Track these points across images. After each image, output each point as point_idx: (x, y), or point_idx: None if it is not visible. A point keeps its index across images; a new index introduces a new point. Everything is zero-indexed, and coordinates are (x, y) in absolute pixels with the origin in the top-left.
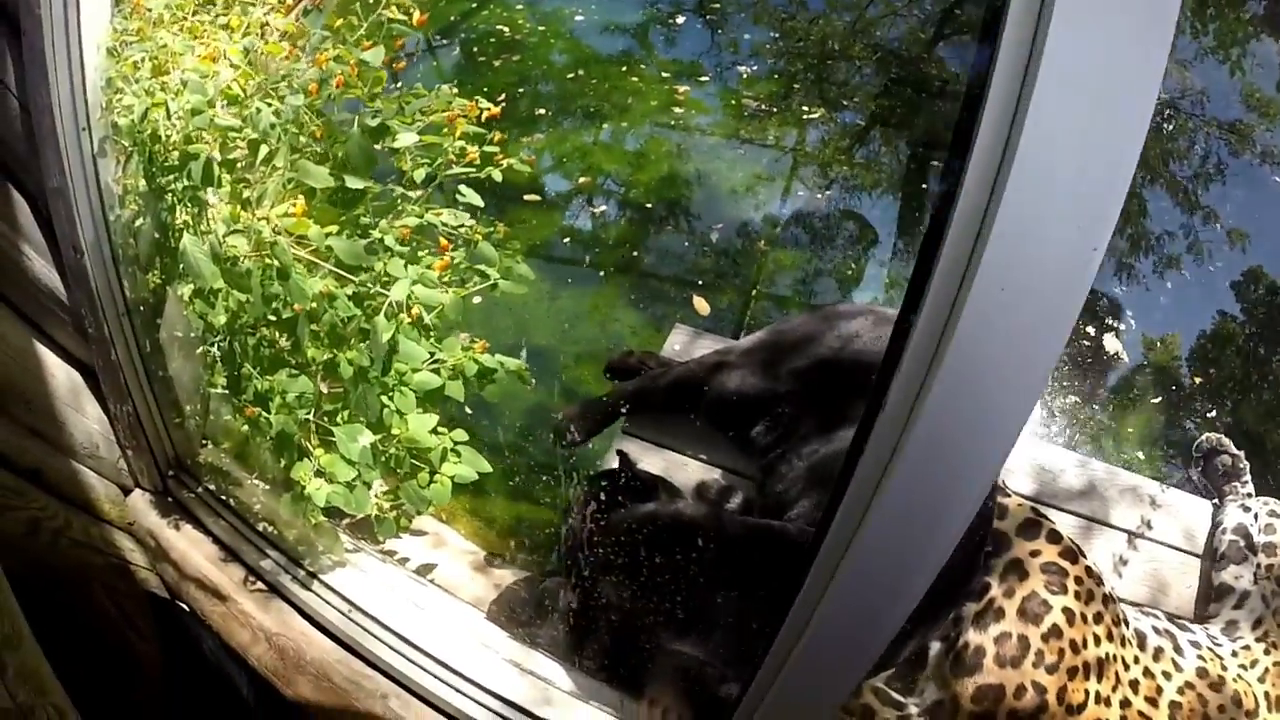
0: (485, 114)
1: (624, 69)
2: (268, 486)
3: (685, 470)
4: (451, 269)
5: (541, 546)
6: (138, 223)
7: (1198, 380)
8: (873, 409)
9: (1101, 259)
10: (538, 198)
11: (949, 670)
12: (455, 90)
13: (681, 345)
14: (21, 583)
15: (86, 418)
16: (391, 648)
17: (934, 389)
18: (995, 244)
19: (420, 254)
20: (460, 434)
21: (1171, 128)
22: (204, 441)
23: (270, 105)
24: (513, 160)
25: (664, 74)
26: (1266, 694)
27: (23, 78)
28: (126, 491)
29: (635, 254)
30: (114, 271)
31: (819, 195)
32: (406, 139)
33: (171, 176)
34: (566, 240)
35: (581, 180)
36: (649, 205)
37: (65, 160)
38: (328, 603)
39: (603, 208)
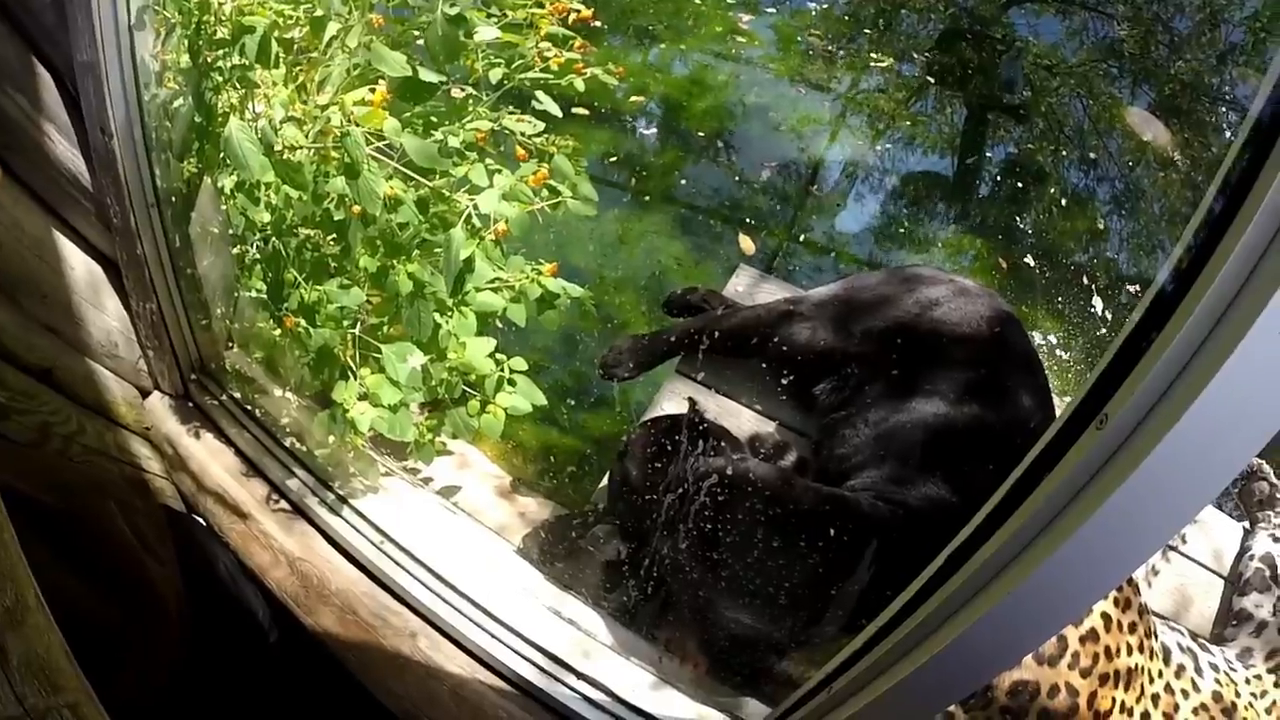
0: (574, 17)
1: None
2: (299, 400)
3: (737, 419)
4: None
5: (570, 478)
6: (176, 104)
7: None
8: (1082, 421)
9: None
10: (586, 111)
11: None
12: None
13: (745, 287)
14: (26, 504)
15: (106, 314)
16: (423, 583)
17: (1184, 420)
18: None
19: (489, 165)
20: (519, 362)
21: None
22: (230, 345)
23: None
24: (597, 70)
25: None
26: None
27: None
28: (145, 395)
29: (684, 183)
30: (145, 157)
31: (870, 145)
32: (486, 33)
33: (221, 52)
34: (611, 160)
35: (633, 99)
36: (701, 134)
37: (98, 31)
38: (356, 530)
39: (652, 130)
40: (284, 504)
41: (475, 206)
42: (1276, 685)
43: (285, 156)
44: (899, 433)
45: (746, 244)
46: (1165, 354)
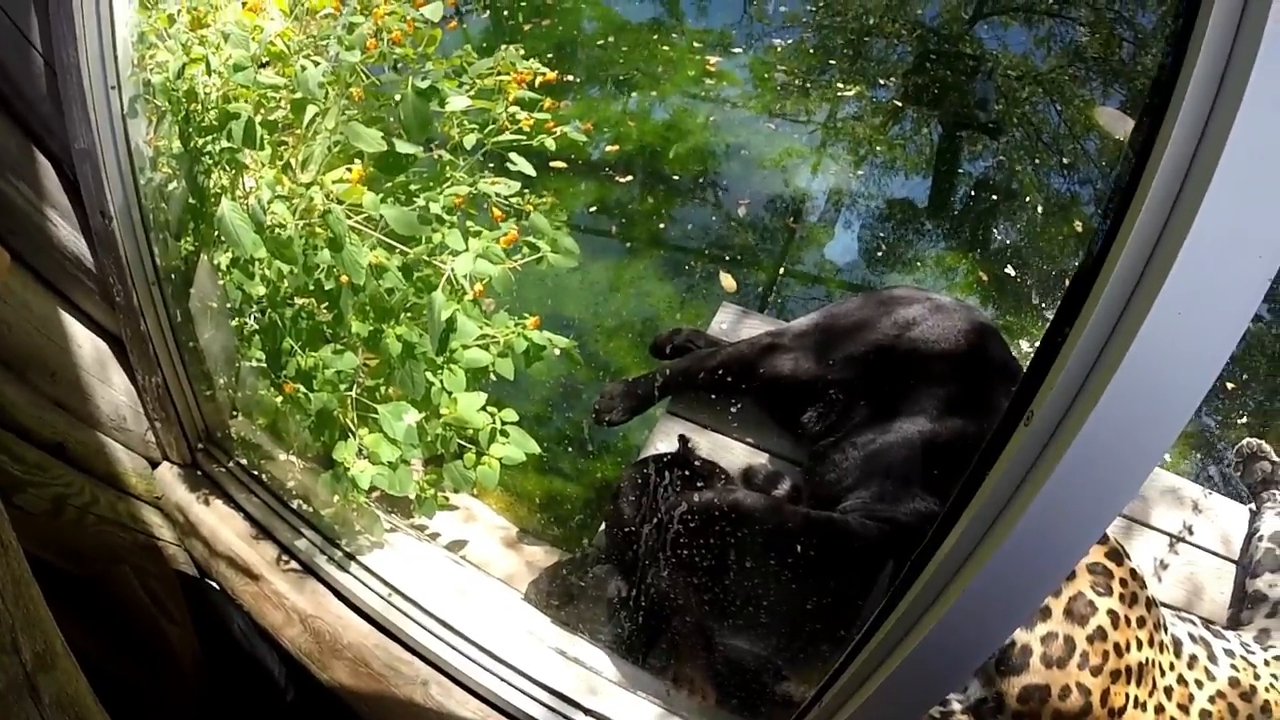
0: (540, 79)
1: (656, 37)
2: (303, 463)
3: (730, 453)
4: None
5: (574, 524)
6: (170, 187)
7: (1229, 386)
8: (1011, 420)
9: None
10: (564, 165)
11: (994, 668)
12: (521, 51)
13: (729, 324)
14: (46, 569)
15: (113, 389)
16: (431, 633)
17: (1099, 407)
18: (1181, 268)
19: (469, 225)
20: (510, 414)
21: None
22: (234, 414)
23: (317, 63)
24: (566, 128)
25: (695, 43)
26: None
27: (48, 33)
28: (154, 465)
29: (662, 226)
30: (144, 238)
31: (851, 173)
32: (457, 103)
33: (210, 137)
34: (593, 210)
35: (609, 149)
36: (677, 177)
37: (93, 120)
38: (365, 585)
39: (629, 178)
40: (294, 564)
41: (453, 270)
42: None
43: (275, 233)
44: (886, 452)
45: (728, 282)
46: (1078, 347)
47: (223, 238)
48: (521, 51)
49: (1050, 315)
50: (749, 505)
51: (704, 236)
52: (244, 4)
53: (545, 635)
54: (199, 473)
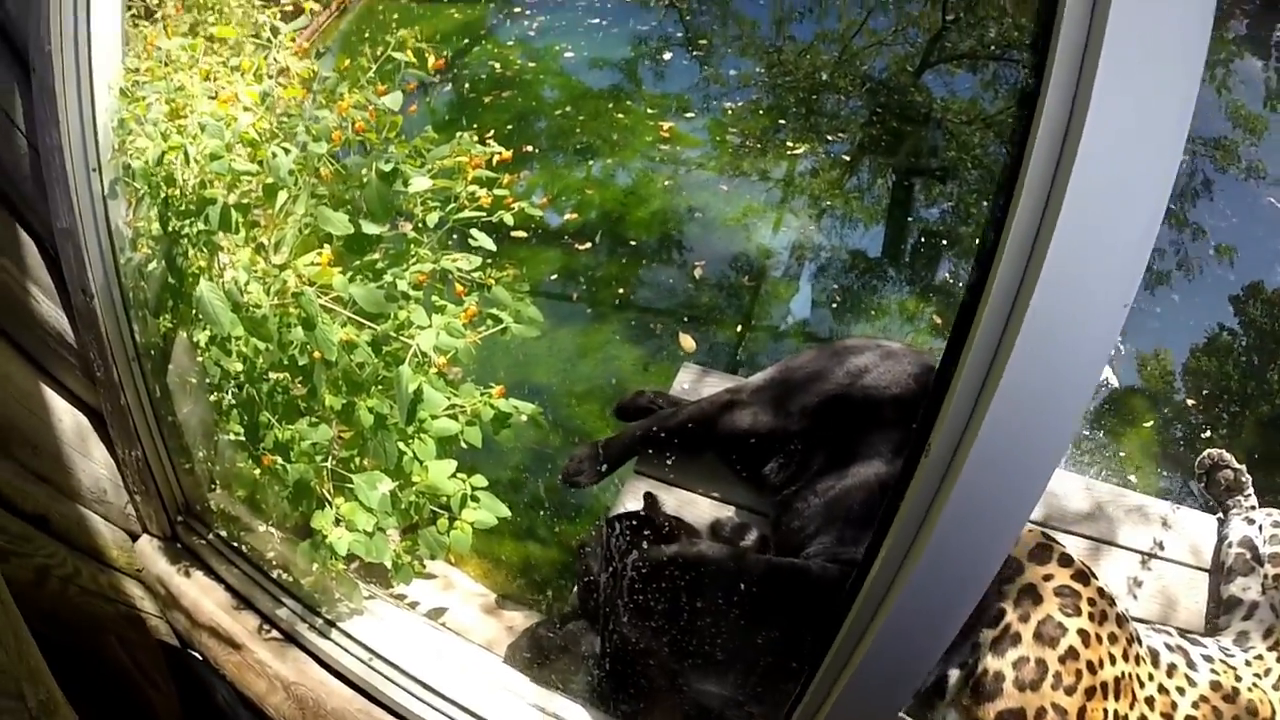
0: (496, 158)
1: (612, 105)
2: (282, 534)
3: (696, 508)
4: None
5: (552, 587)
6: (149, 266)
7: (1190, 402)
8: (916, 453)
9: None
10: (524, 234)
11: (969, 697)
12: (475, 137)
13: (690, 384)
14: (34, 637)
15: (94, 462)
16: (413, 694)
17: (980, 434)
18: (1038, 306)
19: (435, 299)
20: (480, 479)
21: None
22: (213, 487)
23: (287, 151)
24: (524, 204)
25: (650, 110)
26: None
27: (31, 116)
28: (134, 538)
29: (622, 291)
30: (124, 315)
31: (810, 226)
32: (419, 184)
33: (187, 221)
34: (555, 277)
35: (569, 217)
36: (635, 242)
37: (75, 201)
38: (347, 650)
39: (587, 245)
40: (275, 633)
41: (418, 345)
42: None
43: (250, 312)
44: (845, 497)
45: (687, 342)
46: (963, 379)
47: (201, 316)
48: (476, 138)
49: None
50: (713, 556)
51: (667, 298)
52: (218, 96)
53: (524, 692)
54: (179, 545)
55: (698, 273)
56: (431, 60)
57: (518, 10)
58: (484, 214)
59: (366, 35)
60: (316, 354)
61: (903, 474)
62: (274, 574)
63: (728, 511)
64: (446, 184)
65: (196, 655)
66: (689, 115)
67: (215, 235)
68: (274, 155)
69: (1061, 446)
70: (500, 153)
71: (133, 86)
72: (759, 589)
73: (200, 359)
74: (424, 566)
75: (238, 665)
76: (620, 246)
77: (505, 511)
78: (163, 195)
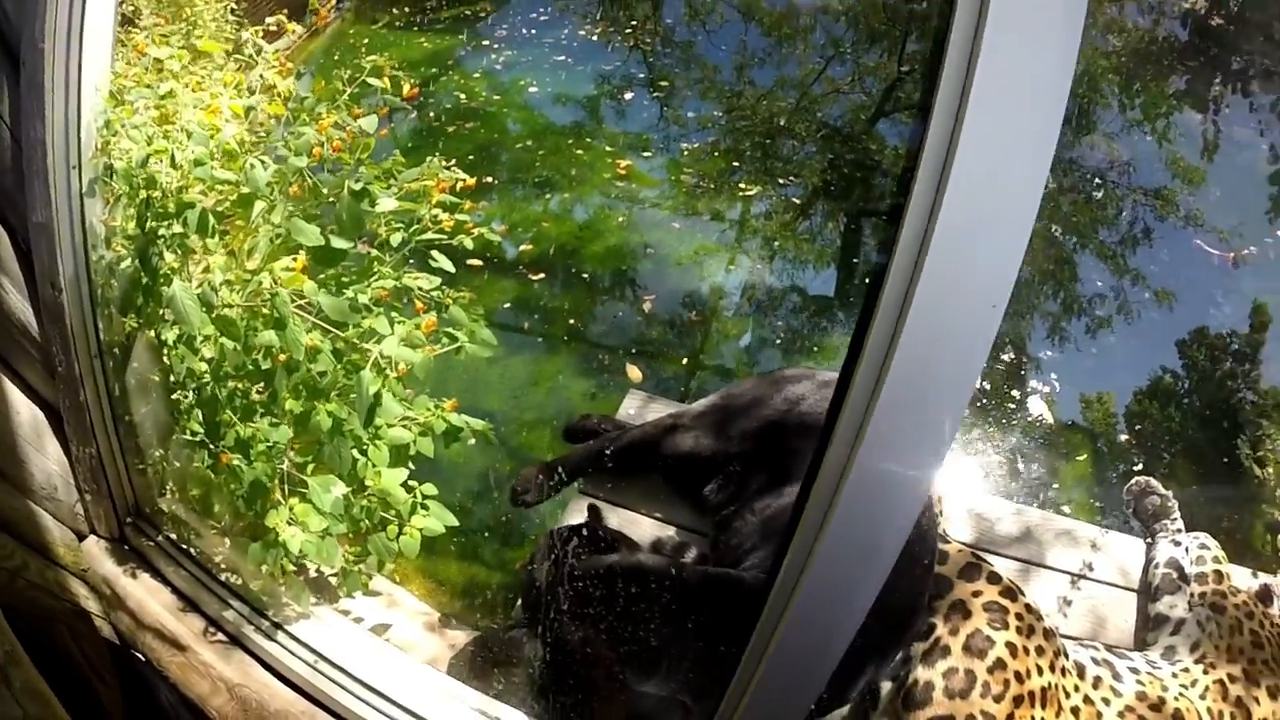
0: (460, 185)
1: (572, 141)
2: (231, 537)
3: (639, 527)
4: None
5: (496, 606)
6: (121, 265)
7: (1123, 437)
8: (815, 463)
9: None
10: (480, 263)
11: (901, 706)
12: (442, 162)
13: (635, 409)
14: None
15: (47, 458)
16: (357, 697)
17: (865, 442)
18: (913, 322)
19: (394, 315)
20: (430, 488)
21: (1101, 195)
22: (164, 490)
23: (265, 164)
24: (484, 230)
25: (609, 147)
26: (1209, 709)
27: (18, 109)
28: (81, 537)
29: (573, 322)
30: (90, 311)
31: (762, 267)
32: (386, 204)
33: (165, 223)
34: (508, 306)
35: (525, 248)
36: (586, 276)
37: (53, 196)
38: (293, 653)
39: (541, 275)
40: (221, 635)
41: (380, 350)
42: (1205, 673)
43: (221, 313)
44: (780, 515)
45: (634, 373)
46: (855, 391)
47: (172, 315)
48: (443, 162)
49: None
50: (651, 565)
51: (617, 332)
52: (204, 107)
53: (467, 697)
54: (126, 546)
55: (647, 306)
56: (406, 87)
57: (486, 43)
58: (445, 237)
59: (337, 58)
60: (281, 356)
61: (804, 485)
62: (222, 577)
63: (669, 531)
64: (411, 206)
65: (139, 656)
66: (646, 154)
67: (189, 238)
68: (252, 166)
69: (940, 450)
70: (465, 179)
71: (121, 90)
72: (695, 597)
73: (166, 358)
74: (370, 579)
75: (181, 667)
76: (574, 279)
77: (453, 520)
78: (143, 196)
